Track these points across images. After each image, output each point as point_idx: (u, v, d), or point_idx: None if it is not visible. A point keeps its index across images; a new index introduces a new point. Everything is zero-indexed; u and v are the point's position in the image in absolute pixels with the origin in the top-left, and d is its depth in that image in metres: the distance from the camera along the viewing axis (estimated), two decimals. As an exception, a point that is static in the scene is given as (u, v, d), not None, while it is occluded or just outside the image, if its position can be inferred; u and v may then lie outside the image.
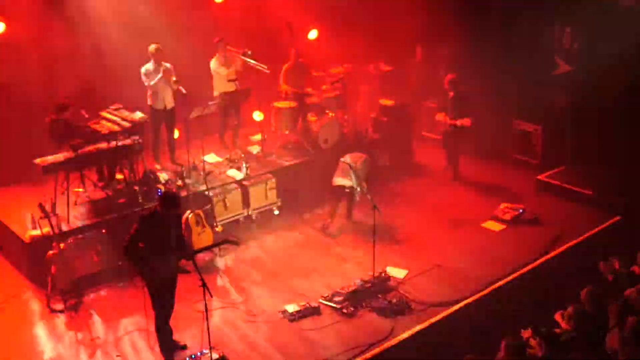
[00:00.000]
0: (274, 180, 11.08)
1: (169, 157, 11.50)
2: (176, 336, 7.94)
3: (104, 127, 9.94)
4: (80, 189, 10.20)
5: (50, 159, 9.44)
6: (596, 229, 10.40)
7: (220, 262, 9.85)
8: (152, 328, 7.83)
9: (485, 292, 8.96)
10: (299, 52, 12.62)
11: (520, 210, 10.97)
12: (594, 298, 7.44)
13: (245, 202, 10.83)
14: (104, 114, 10.28)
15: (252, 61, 11.58)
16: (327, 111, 12.33)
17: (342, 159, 10.52)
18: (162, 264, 7.30)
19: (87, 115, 10.07)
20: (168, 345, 7.80)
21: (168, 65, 10.90)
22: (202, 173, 10.74)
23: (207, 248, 8.18)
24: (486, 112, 12.31)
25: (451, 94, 11.95)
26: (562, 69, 12.76)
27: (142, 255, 7.25)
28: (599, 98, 11.82)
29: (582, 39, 12.34)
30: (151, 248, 7.27)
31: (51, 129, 9.77)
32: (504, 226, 10.73)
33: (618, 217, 10.63)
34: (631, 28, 11.04)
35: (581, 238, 10.17)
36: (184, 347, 7.93)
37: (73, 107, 9.93)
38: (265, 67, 11.58)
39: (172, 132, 11.40)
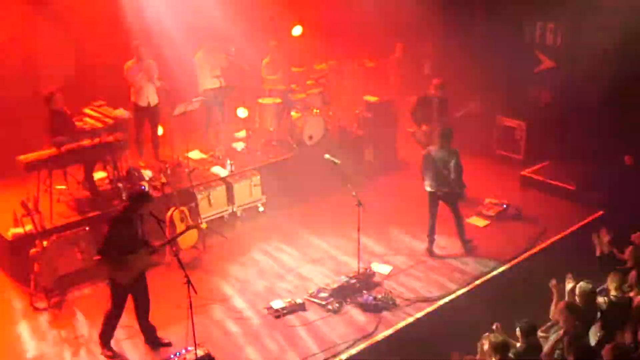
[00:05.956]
0: (258, 176, 11.06)
1: (152, 154, 11.45)
2: (160, 333, 7.93)
3: (87, 124, 9.87)
4: (64, 186, 10.13)
5: (33, 156, 9.34)
6: (579, 224, 10.48)
7: (205, 259, 9.82)
8: (136, 325, 7.83)
9: (469, 287, 9.03)
10: (280, 46, 12.61)
11: (505, 206, 11.02)
12: (585, 294, 7.45)
13: (230, 199, 10.80)
14: (87, 110, 10.21)
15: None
16: (311, 107, 12.32)
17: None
18: (136, 261, 7.33)
19: (69, 112, 9.99)
20: (109, 334, 7.76)
21: (151, 61, 10.85)
22: (186, 170, 10.69)
23: (176, 237, 8.20)
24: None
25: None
26: (545, 65, 12.83)
27: (117, 256, 7.26)
28: (583, 94, 11.90)
29: (566, 35, 12.41)
30: (124, 247, 7.29)
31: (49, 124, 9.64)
32: (488, 222, 10.80)
33: (601, 212, 10.72)
34: (614, 24, 11.10)
35: (564, 233, 10.26)
36: (169, 344, 7.89)
37: (57, 93, 9.57)
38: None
39: (156, 129, 11.34)
